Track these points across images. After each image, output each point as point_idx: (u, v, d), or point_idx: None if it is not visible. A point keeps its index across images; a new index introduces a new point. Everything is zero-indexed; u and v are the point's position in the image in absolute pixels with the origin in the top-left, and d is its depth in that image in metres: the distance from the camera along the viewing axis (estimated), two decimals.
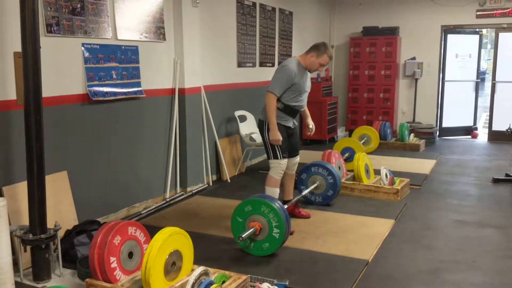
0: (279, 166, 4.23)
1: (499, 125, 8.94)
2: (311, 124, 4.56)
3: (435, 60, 9.45)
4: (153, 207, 4.89)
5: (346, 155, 6.31)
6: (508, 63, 9.12)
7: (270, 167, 4.28)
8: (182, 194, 5.37)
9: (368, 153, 6.65)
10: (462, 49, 9.60)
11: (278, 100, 4.15)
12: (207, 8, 5.77)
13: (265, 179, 4.32)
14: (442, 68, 9.55)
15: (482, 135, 9.81)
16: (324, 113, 8.53)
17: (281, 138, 4.12)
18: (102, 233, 2.94)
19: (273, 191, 4.21)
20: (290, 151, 4.35)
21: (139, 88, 4.72)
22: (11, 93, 3.52)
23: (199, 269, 2.85)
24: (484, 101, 13.17)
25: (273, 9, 7.52)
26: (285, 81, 4.10)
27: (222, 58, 6.25)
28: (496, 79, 9.25)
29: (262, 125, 4.26)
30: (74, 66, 4.03)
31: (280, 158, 4.22)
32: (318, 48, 4.18)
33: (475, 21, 9.02)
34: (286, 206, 4.02)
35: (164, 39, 5.07)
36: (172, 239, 2.91)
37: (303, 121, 4.59)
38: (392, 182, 5.43)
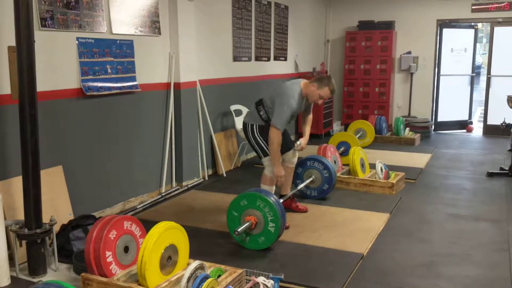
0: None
1: (494, 119, 8.97)
2: (300, 141, 4.33)
3: (430, 54, 9.46)
4: (149, 201, 4.89)
5: (342, 149, 6.32)
6: (503, 57, 9.14)
7: (264, 166, 4.30)
8: (178, 189, 5.37)
9: (364, 147, 6.68)
10: (457, 43, 9.62)
11: (266, 112, 4.18)
12: (203, 2, 5.75)
13: (261, 174, 4.33)
14: (437, 62, 9.57)
15: (477, 129, 9.84)
16: (320, 107, 8.52)
17: (284, 173, 4.17)
18: (97, 227, 2.94)
19: (269, 189, 4.22)
20: (281, 148, 4.32)
21: (134, 83, 4.70)
22: (5, 88, 3.50)
23: (195, 263, 2.86)
24: (479, 95, 13.20)
25: (269, 3, 7.50)
26: (288, 115, 4.05)
27: (218, 52, 6.23)
28: (491, 73, 9.28)
29: (246, 128, 4.30)
30: (68, 60, 4.01)
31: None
32: (321, 80, 4.09)
33: (470, 15, 9.04)
34: (282, 201, 4.04)
35: (159, 34, 5.06)
36: (168, 233, 2.91)
37: (299, 126, 4.48)
38: (387, 176, 5.45)
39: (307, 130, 4.44)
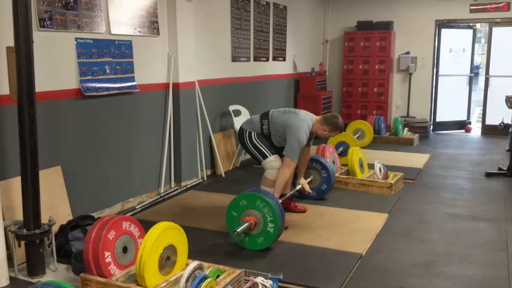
0: (272, 164, 4.24)
1: (493, 119, 8.97)
2: (303, 183, 4.63)
3: (429, 55, 9.47)
4: (148, 202, 4.89)
5: (340, 149, 6.33)
6: (501, 58, 9.15)
7: (265, 169, 4.31)
8: (177, 189, 5.37)
9: (362, 148, 6.67)
10: (456, 44, 9.62)
11: (268, 128, 4.28)
12: (201, 2, 5.75)
13: (260, 174, 4.34)
14: (436, 63, 9.58)
15: (476, 129, 9.86)
16: (319, 107, 8.55)
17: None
18: (96, 228, 2.94)
19: (269, 191, 4.21)
20: (277, 151, 4.34)
21: (133, 83, 4.70)
22: (4, 88, 3.50)
23: (194, 263, 2.86)
24: (478, 95, 13.22)
25: (267, 3, 7.50)
26: (299, 148, 4.18)
27: (217, 53, 6.23)
28: (490, 74, 9.29)
29: (243, 134, 4.37)
30: (67, 60, 4.01)
31: (270, 155, 4.25)
32: (335, 127, 4.29)
33: (468, 15, 9.04)
34: (281, 200, 4.04)
35: (158, 34, 5.06)
36: (167, 233, 2.91)
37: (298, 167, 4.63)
38: (386, 176, 5.45)
39: (303, 171, 4.68)
